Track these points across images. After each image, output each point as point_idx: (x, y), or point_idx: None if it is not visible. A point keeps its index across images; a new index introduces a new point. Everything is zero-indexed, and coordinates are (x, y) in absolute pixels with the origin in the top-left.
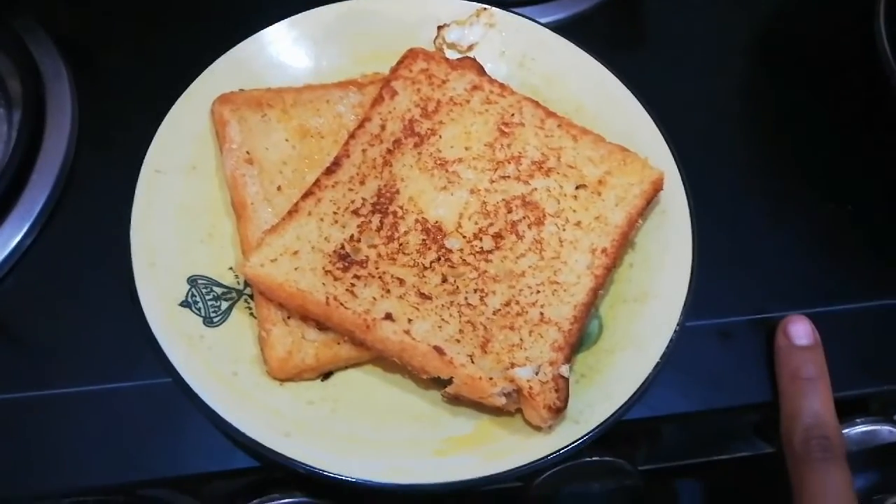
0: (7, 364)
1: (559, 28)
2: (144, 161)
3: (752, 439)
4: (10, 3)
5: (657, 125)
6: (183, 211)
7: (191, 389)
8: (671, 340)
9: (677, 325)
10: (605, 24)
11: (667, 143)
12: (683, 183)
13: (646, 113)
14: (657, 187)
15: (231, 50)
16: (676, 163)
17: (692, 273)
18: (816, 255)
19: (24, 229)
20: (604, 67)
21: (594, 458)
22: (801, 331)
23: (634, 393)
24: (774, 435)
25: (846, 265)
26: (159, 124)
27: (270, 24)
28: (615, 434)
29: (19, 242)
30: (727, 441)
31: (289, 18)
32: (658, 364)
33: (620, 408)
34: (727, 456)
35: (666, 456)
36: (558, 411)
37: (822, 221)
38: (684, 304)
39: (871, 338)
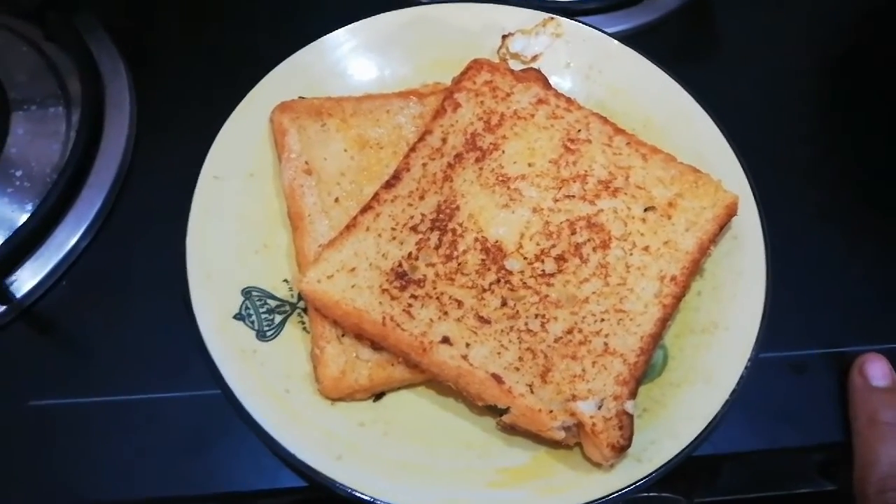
0: (57, 369)
1: (626, 39)
2: (204, 166)
3: (813, 477)
4: (71, 1)
5: (729, 143)
6: (240, 219)
7: (242, 406)
8: (742, 376)
9: (749, 359)
10: (674, 35)
11: (740, 163)
12: (757, 207)
13: (717, 130)
14: (731, 212)
15: (292, 56)
16: (750, 185)
17: (766, 304)
18: None
19: (80, 231)
20: (673, 81)
21: (651, 494)
22: (878, 371)
23: (703, 431)
24: (837, 473)
25: None
26: (218, 127)
27: (332, 30)
28: (675, 470)
29: (75, 244)
30: (788, 478)
31: (351, 25)
32: (728, 400)
33: (687, 446)
34: (786, 492)
35: (724, 490)
36: (622, 450)
37: None
38: (757, 338)
39: None
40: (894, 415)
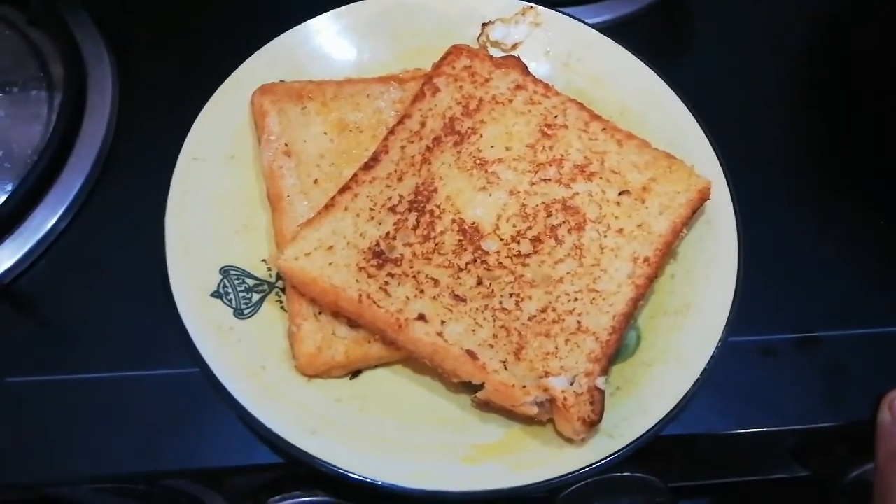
0: (35, 346)
1: (606, 29)
2: (183, 148)
3: (787, 462)
4: None
5: (704, 131)
6: (219, 200)
7: (218, 381)
8: (713, 356)
9: (720, 340)
10: (652, 26)
11: (714, 150)
12: (730, 192)
13: (692, 118)
14: (703, 196)
15: (274, 40)
16: (724, 171)
17: (737, 286)
18: (868, 272)
19: (60, 212)
20: (650, 70)
21: (624, 474)
22: None
23: (673, 409)
24: (810, 458)
25: None
26: (199, 111)
27: (315, 16)
28: (647, 450)
29: (54, 225)
30: (762, 462)
31: (333, 10)
32: (698, 380)
33: (657, 424)
34: (761, 477)
35: (698, 474)
36: (592, 424)
37: (875, 238)
38: (728, 319)
39: None
40: None
